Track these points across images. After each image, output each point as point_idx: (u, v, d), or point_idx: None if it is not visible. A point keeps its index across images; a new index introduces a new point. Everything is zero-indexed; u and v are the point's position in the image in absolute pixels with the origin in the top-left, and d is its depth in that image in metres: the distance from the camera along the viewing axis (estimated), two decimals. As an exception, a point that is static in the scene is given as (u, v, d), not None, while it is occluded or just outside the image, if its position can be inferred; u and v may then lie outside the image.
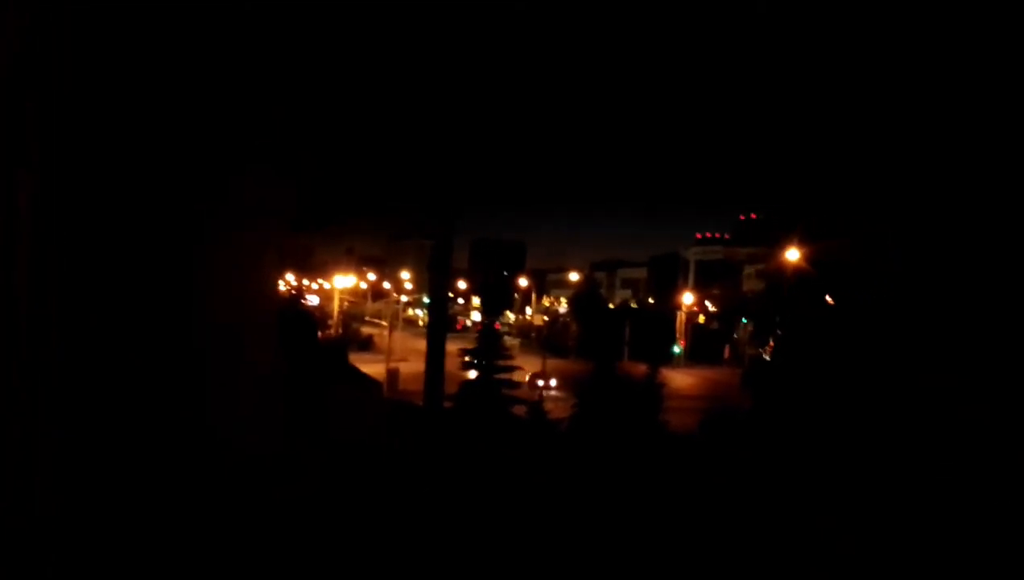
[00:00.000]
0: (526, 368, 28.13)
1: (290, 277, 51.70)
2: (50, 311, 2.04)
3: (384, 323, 41.11)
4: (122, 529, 2.35)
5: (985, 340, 9.38)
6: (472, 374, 24.16)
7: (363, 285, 55.72)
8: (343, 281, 48.13)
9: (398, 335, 37.02)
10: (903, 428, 8.65)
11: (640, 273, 55.91)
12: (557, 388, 27.89)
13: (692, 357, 39.42)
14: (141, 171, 2.64)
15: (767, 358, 24.79)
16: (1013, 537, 5.15)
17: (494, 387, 22.96)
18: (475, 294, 57.44)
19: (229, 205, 2.92)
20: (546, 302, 57.85)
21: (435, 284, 24.76)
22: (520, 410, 21.64)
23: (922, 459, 7.42)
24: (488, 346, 23.98)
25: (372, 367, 26.49)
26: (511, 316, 53.34)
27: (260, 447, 3.07)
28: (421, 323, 45.37)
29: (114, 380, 2.41)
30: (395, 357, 30.67)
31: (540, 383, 28.85)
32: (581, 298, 46.60)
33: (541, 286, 58.67)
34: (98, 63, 2.36)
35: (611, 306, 48.25)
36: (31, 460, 1.76)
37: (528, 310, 55.31)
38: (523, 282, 57.21)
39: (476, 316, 48.98)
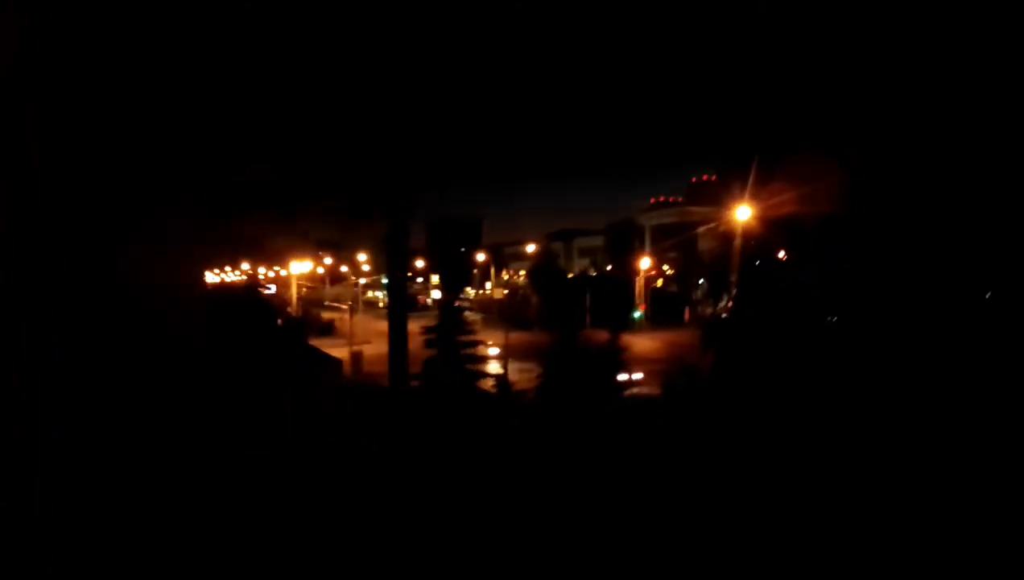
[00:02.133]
0: (489, 342, 28.07)
1: (245, 266, 51.00)
2: (50, 311, 2.07)
3: (344, 307, 40.86)
4: (121, 527, 2.40)
5: (985, 340, 9.61)
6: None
7: (320, 269, 55.21)
8: (300, 266, 47.60)
9: (359, 318, 36.83)
10: (903, 428, 8.82)
11: (597, 241, 56.14)
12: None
13: (653, 321, 39.89)
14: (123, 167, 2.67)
15: (724, 316, 25.13)
16: (1013, 536, 5.28)
17: (459, 363, 23.04)
18: (434, 272, 57.23)
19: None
20: (505, 276, 57.92)
21: (393, 265, 24.71)
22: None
23: (922, 458, 7.59)
24: (450, 322, 24.01)
25: (334, 352, 26.42)
26: (471, 292, 53.32)
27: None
28: (381, 305, 45.11)
29: (110, 376, 2.45)
30: (357, 340, 30.55)
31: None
32: (539, 270, 46.72)
33: (499, 260, 58.70)
34: (97, 63, 2.38)
35: (570, 276, 48.49)
36: (31, 460, 1.80)
37: (488, 285, 55.37)
38: (481, 257, 57.17)
39: (436, 294, 48.84)
